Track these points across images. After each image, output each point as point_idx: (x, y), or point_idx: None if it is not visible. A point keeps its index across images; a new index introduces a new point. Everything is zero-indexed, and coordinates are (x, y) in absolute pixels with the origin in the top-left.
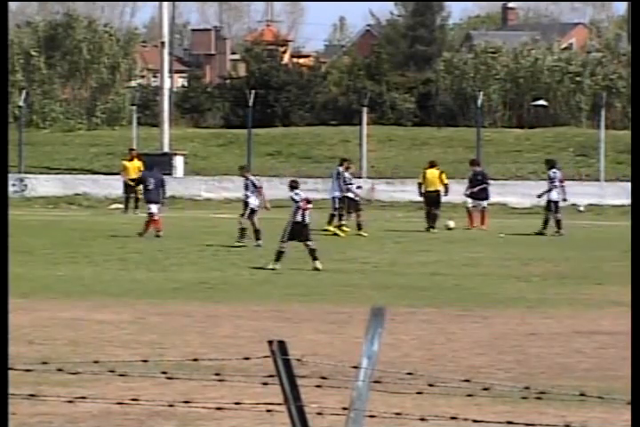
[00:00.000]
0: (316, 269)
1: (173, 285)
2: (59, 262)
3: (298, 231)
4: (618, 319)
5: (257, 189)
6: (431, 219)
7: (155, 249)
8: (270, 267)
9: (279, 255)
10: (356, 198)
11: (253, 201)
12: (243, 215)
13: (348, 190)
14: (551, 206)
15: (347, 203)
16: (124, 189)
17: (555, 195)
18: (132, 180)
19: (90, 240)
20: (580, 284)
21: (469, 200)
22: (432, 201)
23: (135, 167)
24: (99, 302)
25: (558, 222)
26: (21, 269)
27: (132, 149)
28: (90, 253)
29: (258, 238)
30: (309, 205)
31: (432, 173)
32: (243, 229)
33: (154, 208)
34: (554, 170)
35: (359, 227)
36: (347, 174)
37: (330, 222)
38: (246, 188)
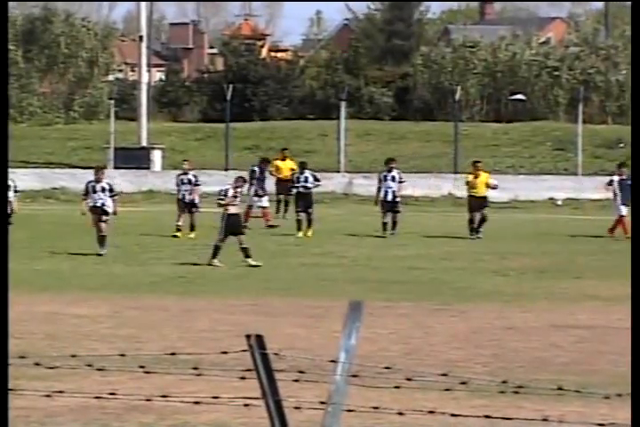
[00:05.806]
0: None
1: (151, 279)
2: (36, 257)
3: None
4: (595, 313)
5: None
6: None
7: (132, 243)
8: None
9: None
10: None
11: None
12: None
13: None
14: (390, 205)
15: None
16: (276, 191)
17: (391, 195)
18: (285, 180)
19: (67, 234)
20: (557, 278)
21: (624, 208)
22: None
23: (288, 167)
24: (76, 296)
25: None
26: None
27: (285, 149)
28: (67, 248)
29: None
30: None
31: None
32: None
33: None
34: (397, 170)
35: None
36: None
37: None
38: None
